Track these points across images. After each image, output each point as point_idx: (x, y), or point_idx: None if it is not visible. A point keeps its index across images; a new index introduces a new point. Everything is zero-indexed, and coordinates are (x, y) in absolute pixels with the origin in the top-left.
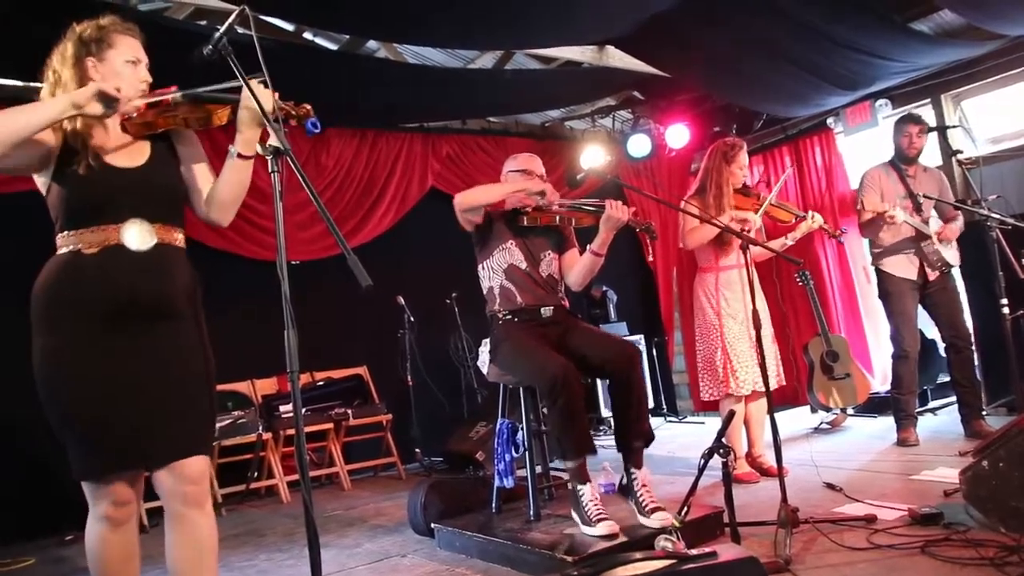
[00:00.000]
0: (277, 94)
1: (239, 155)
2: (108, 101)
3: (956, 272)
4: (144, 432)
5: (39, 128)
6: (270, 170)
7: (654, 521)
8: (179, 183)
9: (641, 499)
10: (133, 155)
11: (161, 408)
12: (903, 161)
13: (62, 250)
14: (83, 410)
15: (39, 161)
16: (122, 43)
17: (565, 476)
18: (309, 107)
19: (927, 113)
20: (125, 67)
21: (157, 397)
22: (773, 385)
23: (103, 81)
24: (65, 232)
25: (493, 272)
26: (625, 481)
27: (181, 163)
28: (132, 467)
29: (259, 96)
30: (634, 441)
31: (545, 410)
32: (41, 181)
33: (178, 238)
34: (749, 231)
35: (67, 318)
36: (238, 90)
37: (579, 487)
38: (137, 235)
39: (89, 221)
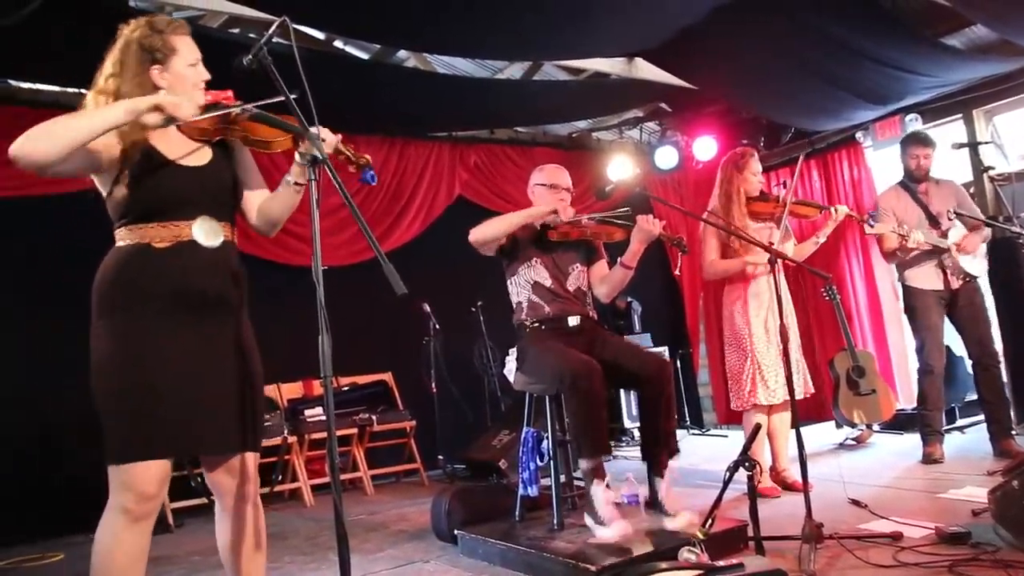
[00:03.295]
0: (340, 136)
1: (296, 183)
2: (167, 117)
3: (986, 288)
4: (202, 422)
5: (97, 134)
6: (307, 178)
7: (679, 521)
8: (237, 184)
9: (665, 504)
10: (196, 155)
11: (222, 399)
12: (913, 181)
13: (127, 242)
14: (143, 388)
15: (98, 164)
16: (182, 46)
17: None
18: (369, 157)
19: (958, 129)
20: (188, 70)
21: (220, 389)
22: (800, 395)
23: (170, 88)
24: (131, 226)
25: (520, 287)
26: (648, 492)
27: (237, 169)
28: (182, 451)
29: (325, 140)
30: (661, 454)
31: (565, 413)
32: (103, 180)
33: (233, 236)
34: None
35: (137, 304)
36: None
37: (592, 487)
38: (208, 232)
39: (158, 217)
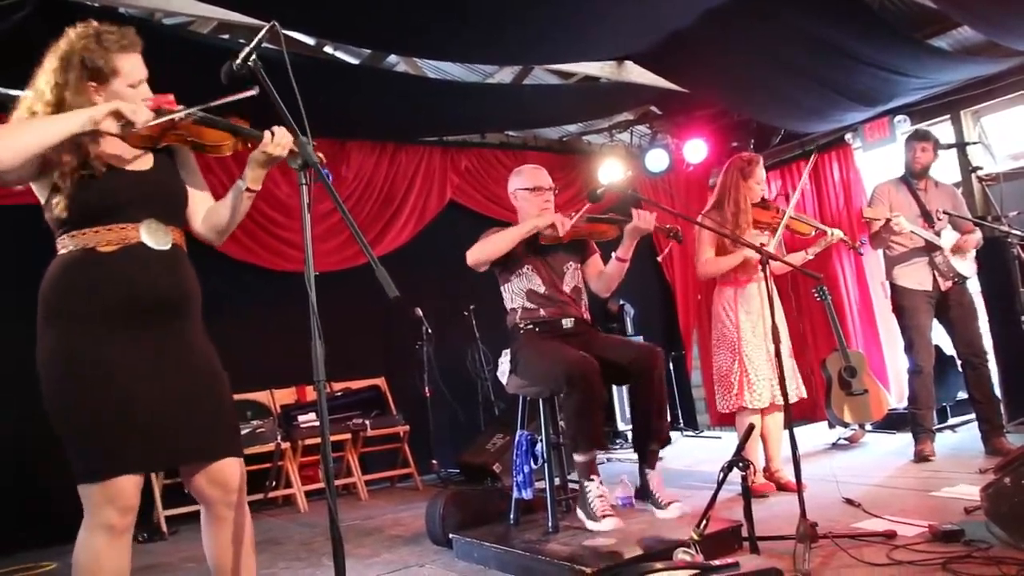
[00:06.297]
0: (291, 138)
1: (247, 189)
2: (124, 123)
3: (974, 287)
4: (174, 430)
5: (56, 142)
6: (300, 183)
7: (671, 512)
8: (183, 189)
9: (657, 496)
10: (138, 160)
11: (191, 406)
12: (913, 176)
13: (69, 248)
14: (106, 399)
15: (40, 170)
16: (127, 65)
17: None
18: (322, 155)
19: (946, 129)
20: (127, 91)
21: (186, 395)
22: (793, 398)
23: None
24: (74, 232)
25: (515, 294)
26: (640, 483)
27: (182, 173)
28: (161, 461)
29: (279, 141)
30: (651, 443)
31: (561, 411)
32: (40, 186)
33: (183, 241)
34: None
35: (87, 310)
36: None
37: (587, 482)
38: (156, 234)
39: (103, 220)
